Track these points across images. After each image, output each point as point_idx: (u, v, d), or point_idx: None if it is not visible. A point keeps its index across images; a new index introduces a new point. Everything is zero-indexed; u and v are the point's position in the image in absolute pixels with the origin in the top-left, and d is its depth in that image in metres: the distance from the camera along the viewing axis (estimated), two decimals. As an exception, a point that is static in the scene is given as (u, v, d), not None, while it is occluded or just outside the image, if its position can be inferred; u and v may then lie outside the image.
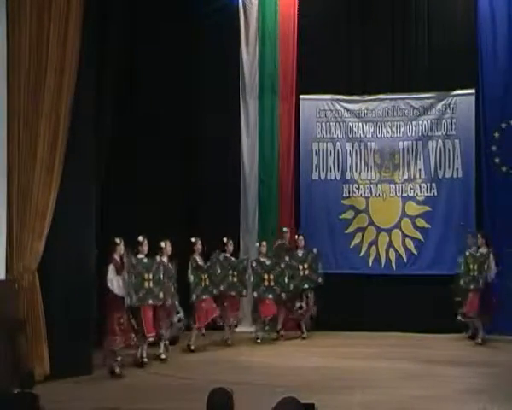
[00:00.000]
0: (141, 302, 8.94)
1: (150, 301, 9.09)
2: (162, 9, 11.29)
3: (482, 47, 11.60)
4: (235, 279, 10.61)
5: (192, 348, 10.07)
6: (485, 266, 10.31)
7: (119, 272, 8.65)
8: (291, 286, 10.88)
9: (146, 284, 9.05)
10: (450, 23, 11.78)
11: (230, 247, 10.72)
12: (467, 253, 10.56)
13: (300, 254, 11.12)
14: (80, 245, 8.59)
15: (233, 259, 10.74)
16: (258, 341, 10.78)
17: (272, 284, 10.78)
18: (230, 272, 10.58)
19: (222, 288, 10.37)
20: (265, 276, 10.79)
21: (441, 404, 7.10)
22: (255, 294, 10.83)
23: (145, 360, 9.08)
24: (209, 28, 11.89)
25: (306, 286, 10.95)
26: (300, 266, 10.95)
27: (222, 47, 12.07)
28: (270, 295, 10.77)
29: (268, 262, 10.88)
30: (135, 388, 8.09)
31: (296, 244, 11.23)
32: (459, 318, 10.57)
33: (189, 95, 11.75)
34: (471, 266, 10.43)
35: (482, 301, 10.31)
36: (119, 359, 8.61)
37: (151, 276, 9.13)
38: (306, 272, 10.96)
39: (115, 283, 8.58)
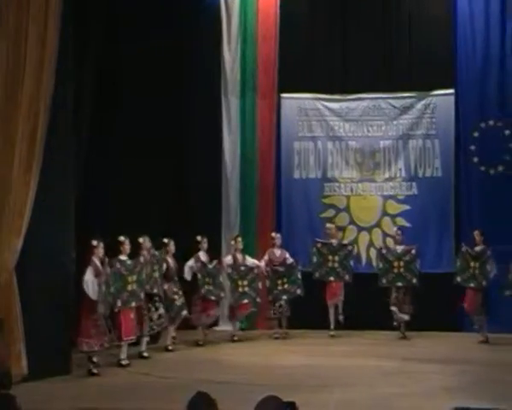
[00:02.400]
0: (124, 305, 8.91)
1: (133, 304, 9.06)
2: (144, 9, 11.23)
3: (461, 48, 11.69)
4: (210, 288, 10.55)
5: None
6: (488, 267, 10.31)
7: (97, 275, 8.59)
8: (270, 297, 10.94)
9: (129, 286, 9.00)
10: (431, 24, 11.83)
11: (205, 245, 10.69)
12: (463, 249, 10.61)
13: (278, 255, 11.10)
14: (59, 244, 8.52)
15: (210, 266, 10.61)
16: (235, 338, 10.82)
17: (247, 289, 10.79)
18: (207, 279, 10.53)
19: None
20: (240, 282, 10.78)
21: (419, 401, 7.16)
22: (231, 300, 10.82)
23: (124, 362, 8.99)
24: (191, 27, 11.84)
25: (285, 298, 10.95)
26: (279, 281, 10.95)
27: (204, 45, 12.01)
28: (246, 300, 10.82)
29: (243, 268, 10.86)
30: (115, 387, 8.05)
31: (273, 242, 11.23)
32: (393, 308, 10.71)
33: (170, 93, 11.69)
34: (471, 264, 10.46)
35: (483, 300, 10.38)
36: (95, 360, 8.54)
37: (134, 278, 9.08)
38: (286, 286, 10.95)
39: (90, 285, 8.50)
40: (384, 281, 10.87)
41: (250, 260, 11.08)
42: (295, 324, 11.13)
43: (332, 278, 11.03)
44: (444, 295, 10.95)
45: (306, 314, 11.01)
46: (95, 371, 8.50)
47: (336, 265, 11.06)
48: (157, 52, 11.36)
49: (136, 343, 9.45)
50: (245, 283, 10.80)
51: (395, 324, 10.84)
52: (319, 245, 11.16)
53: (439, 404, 6.55)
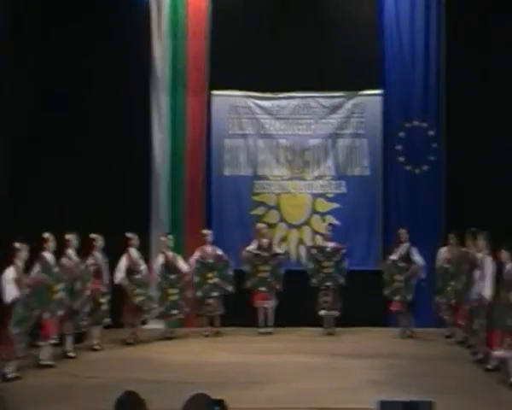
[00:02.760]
0: (52, 314, 8.67)
1: (60, 313, 8.84)
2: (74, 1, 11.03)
3: (388, 49, 11.96)
4: (142, 298, 10.39)
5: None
6: (413, 281, 10.59)
7: (17, 281, 8.21)
8: (199, 293, 10.85)
9: (56, 295, 8.77)
10: (360, 24, 12.01)
11: (135, 242, 10.58)
12: (388, 262, 10.80)
13: (209, 251, 11.05)
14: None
15: (138, 277, 10.43)
16: (172, 335, 10.77)
17: (177, 297, 10.67)
18: (138, 290, 10.36)
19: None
20: (170, 290, 10.66)
21: (346, 395, 7.27)
22: (162, 309, 10.67)
23: (45, 362, 8.73)
24: (121, 22, 11.64)
25: (215, 294, 10.90)
26: (210, 274, 10.88)
27: (134, 41, 11.80)
28: (176, 311, 10.69)
29: (173, 276, 10.71)
30: (40, 389, 7.82)
31: (204, 239, 11.17)
32: (322, 313, 10.93)
33: (100, 89, 11.48)
34: (395, 277, 10.67)
35: (409, 305, 10.71)
36: (10, 368, 8.16)
37: (62, 286, 8.85)
38: (216, 280, 10.90)
39: (7, 286, 8.13)
40: (314, 281, 10.98)
41: (181, 263, 10.92)
42: (226, 321, 11.11)
43: (263, 288, 11.05)
44: (371, 292, 11.17)
45: (237, 312, 11.02)
46: (10, 375, 8.10)
47: (267, 275, 11.04)
48: (86, 47, 11.17)
49: (60, 344, 9.21)
50: (175, 291, 10.67)
51: (326, 326, 10.99)
52: (251, 255, 11.13)
53: (366, 398, 6.65)
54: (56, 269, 8.95)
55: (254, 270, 11.06)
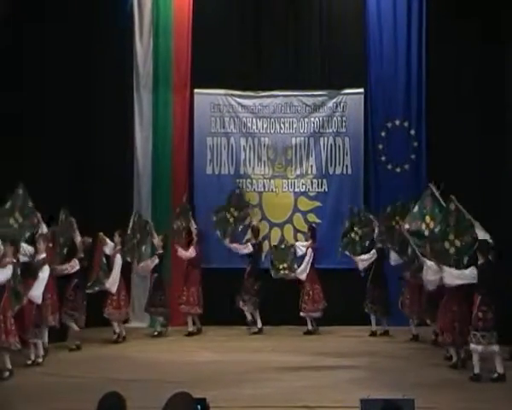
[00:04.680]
0: None
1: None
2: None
3: (370, 49, 12.02)
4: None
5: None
6: None
7: None
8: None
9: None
10: (342, 24, 12.08)
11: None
12: None
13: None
14: None
15: None
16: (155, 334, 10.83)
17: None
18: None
19: None
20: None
21: (327, 393, 7.31)
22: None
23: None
24: (103, 19, 11.59)
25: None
26: None
27: (116, 38, 11.78)
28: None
29: None
30: (20, 388, 7.77)
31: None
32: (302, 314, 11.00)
33: (82, 87, 11.40)
34: None
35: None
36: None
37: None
38: None
39: None
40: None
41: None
42: (209, 320, 11.11)
43: None
44: (350, 291, 11.22)
45: (219, 310, 11.02)
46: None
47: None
48: (67, 45, 11.11)
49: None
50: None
51: (310, 325, 11.04)
52: None
53: (347, 396, 6.72)
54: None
55: None
